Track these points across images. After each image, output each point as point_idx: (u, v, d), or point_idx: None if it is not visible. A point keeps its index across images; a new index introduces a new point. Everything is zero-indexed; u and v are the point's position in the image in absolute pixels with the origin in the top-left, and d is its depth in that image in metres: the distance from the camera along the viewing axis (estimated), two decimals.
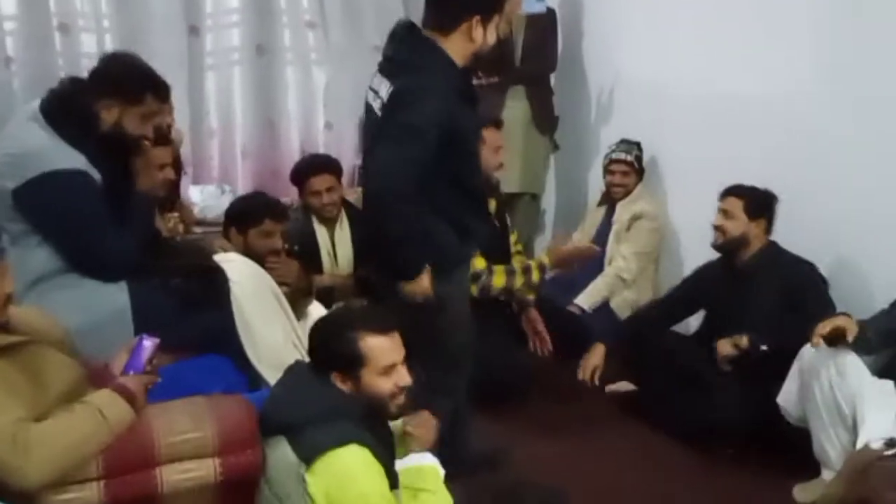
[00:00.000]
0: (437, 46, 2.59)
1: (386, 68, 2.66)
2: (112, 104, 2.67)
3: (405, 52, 2.63)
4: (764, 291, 3.34)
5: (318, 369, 2.20)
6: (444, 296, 2.73)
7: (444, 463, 2.35)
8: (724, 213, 3.43)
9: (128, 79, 2.71)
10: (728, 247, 3.44)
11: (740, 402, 3.23)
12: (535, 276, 3.63)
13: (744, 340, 3.25)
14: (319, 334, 2.24)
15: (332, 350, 2.17)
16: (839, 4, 3.36)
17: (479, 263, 3.52)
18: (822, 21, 3.43)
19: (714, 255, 3.56)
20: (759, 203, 3.42)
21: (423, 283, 2.67)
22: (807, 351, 2.91)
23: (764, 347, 3.22)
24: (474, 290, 3.47)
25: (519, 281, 3.61)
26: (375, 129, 2.63)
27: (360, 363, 2.14)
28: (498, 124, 3.67)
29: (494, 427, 3.39)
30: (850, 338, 2.78)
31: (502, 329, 3.75)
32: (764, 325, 3.28)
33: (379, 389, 2.16)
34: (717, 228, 3.46)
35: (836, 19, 3.37)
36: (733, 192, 3.45)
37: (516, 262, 3.74)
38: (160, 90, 2.78)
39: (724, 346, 3.31)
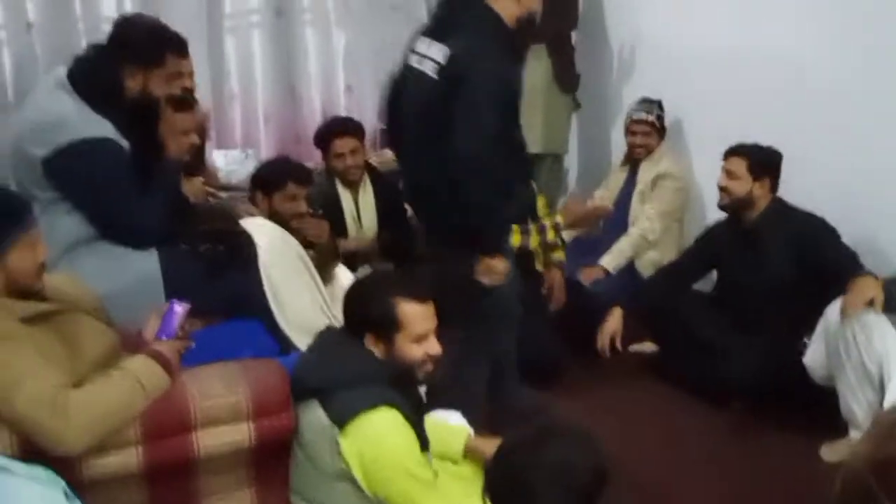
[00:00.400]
0: (489, 7, 2.60)
1: (435, 30, 2.66)
2: (135, 70, 2.69)
3: (458, 14, 2.64)
4: (774, 248, 3.34)
5: (350, 333, 2.22)
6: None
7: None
8: (728, 173, 3.42)
9: (145, 43, 2.73)
10: (734, 206, 3.43)
11: (756, 360, 3.25)
12: (551, 235, 3.62)
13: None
14: (357, 297, 2.25)
15: (369, 313, 2.19)
16: None
17: None
18: None
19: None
20: (763, 162, 3.39)
21: (501, 264, 2.69)
22: (832, 311, 2.91)
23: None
24: None
25: (534, 240, 3.60)
26: (433, 91, 2.60)
27: (396, 328, 2.16)
28: None
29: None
30: (878, 308, 2.78)
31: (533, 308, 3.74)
32: (778, 283, 3.29)
33: (410, 355, 2.17)
34: (722, 189, 3.44)
35: None
36: (736, 151, 3.43)
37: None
38: (179, 47, 2.81)
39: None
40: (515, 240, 3.55)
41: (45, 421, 1.87)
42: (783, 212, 3.39)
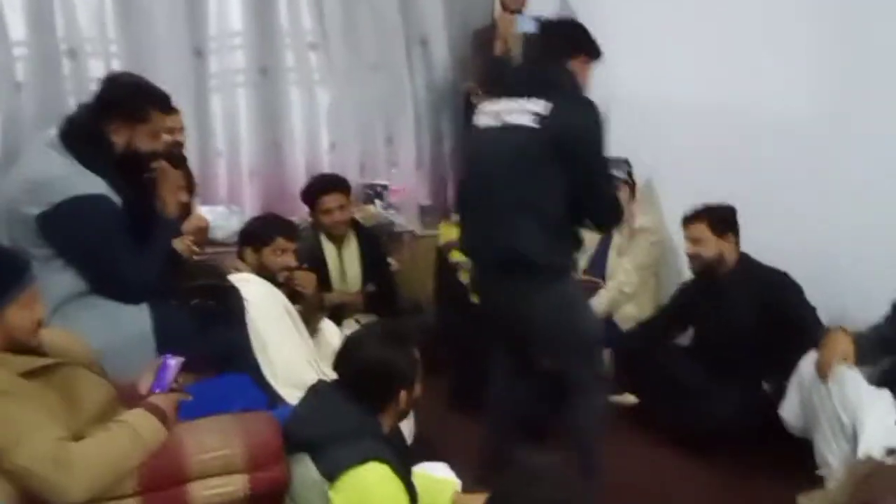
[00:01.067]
0: (567, 69, 2.85)
1: (520, 89, 2.82)
2: (120, 126, 2.74)
3: (545, 72, 2.86)
4: (742, 303, 3.45)
5: (341, 388, 2.27)
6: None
7: None
8: (693, 240, 3.52)
9: (129, 99, 2.78)
10: (709, 270, 3.54)
11: (732, 406, 3.35)
12: None
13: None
14: (376, 357, 2.27)
15: (399, 369, 2.27)
16: (829, 23, 3.44)
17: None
18: (814, 39, 3.50)
19: None
20: (722, 219, 3.51)
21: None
22: (805, 365, 2.98)
23: None
24: (476, 297, 3.54)
25: None
26: (538, 140, 2.72)
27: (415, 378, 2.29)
28: None
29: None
30: (850, 361, 2.86)
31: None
32: (747, 334, 3.41)
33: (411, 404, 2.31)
34: (691, 256, 3.55)
35: (826, 36, 3.45)
36: (695, 217, 3.54)
37: None
38: (162, 103, 2.85)
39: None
40: None
41: (49, 475, 1.90)
42: (749, 268, 3.51)
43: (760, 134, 3.76)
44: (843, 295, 3.36)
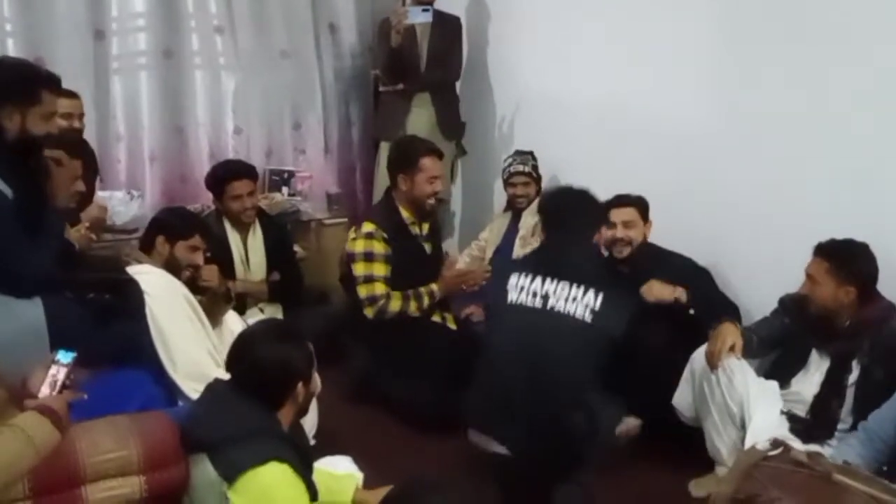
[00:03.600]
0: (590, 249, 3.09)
1: (568, 274, 2.92)
2: (11, 110, 2.65)
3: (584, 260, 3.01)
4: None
5: (237, 387, 2.24)
6: None
7: None
8: (626, 223, 3.56)
9: (17, 81, 2.70)
10: (633, 253, 3.57)
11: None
12: (426, 301, 3.76)
13: (680, 292, 3.38)
14: (270, 357, 2.23)
15: (296, 369, 2.24)
16: (721, 28, 3.58)
17: (378, 288, 3.68)
18: (707, 42, 3.65)
19: None
20: (645, 206, 3.61)
21: None
22: (697, 356, 3.10)
23: (692, 311, 3.40)
24: (370, 312, 3.66)
25: (413, 305, 3.73)
26: (589, 335, 2.84)
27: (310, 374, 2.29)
28: (439, 154, 3.85)
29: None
30: (737, 354, 2.98)
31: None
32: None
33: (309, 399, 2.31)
34: (622, 240, 3.56)
35: (718, 41, 3.61)
36: (625, 201, 3.59)
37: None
38: (52, 83, 2.77)
39: (660, 290, 3.41)
40: (394, 305, 3.67)
41: None
42: (655, 253, 3.60)
43: (660, 140, 3.89)
44: (732, 292, 3.50)
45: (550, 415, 2.81)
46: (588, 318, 2.85)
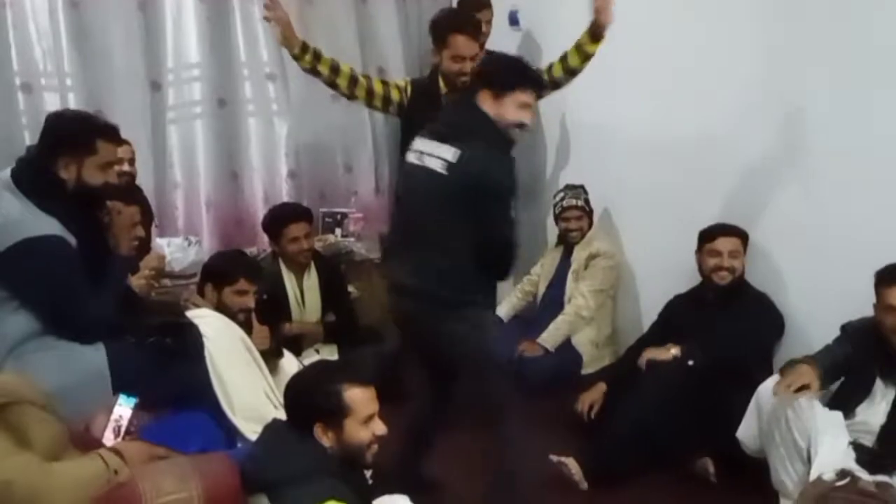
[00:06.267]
0: (484, 112, 2.88)
1: (442, 134, 2.91)
2: (68, 161, 2.74)
3: (462, 115, 2.95)
4: (730, 319, 3.50)
5: (295, 426, 2.28)
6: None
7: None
8: (731, 253, 3.56)
9: (74, 132, 2.78)
10: (734, 285, 3.57)
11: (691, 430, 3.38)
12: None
13: (672, 350, 3.45)
14: (300, 389, 2.32)
15: (315, 403, 2.26)
16: (770, 55, 3.53)
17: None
18: (751, 69, 3.61)
19: (669, 289, 3.78)
20: (747, 239, 3.61)
21: None
22: (764, 390, 3.03)
23: (691, 362, 3.41)
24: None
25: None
26: (445, 185, 2.83)
27: (344, 413, 2.24)
28: (472, 31, 3.90)
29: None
30: (813, 392, 2.90)
31: None
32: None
33: (359, 439, 2.27)
34: (727, 269, 3.55)
35: (765, 67, 3.55)
36: (730, 231, 3.60)
37: None
38: (108, 133, 2.85)
39: (654, 353, 3.50)
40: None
41: (36, 481, 1.96)
42: (746, 287, 3.60)
43: (704, 157, 3.85)
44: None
45: (419, 257, 2.93)
46: (443, 170, 2.84)
